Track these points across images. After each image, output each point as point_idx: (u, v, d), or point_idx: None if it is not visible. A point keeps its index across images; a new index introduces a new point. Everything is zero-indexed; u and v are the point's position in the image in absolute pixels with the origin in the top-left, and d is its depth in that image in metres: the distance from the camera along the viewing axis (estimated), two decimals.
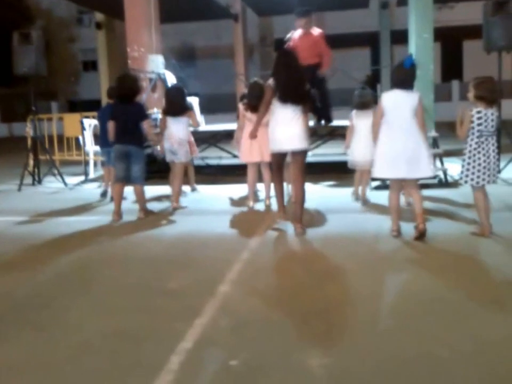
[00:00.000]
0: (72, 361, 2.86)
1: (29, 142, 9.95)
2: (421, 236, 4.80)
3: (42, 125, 10.84)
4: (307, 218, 5.65)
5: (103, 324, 3.33)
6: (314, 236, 5.27)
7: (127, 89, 6.29)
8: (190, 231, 5.69)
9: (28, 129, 10.22)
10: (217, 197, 7.54)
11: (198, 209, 6.86)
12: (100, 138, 7.71)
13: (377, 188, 6.90)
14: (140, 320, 3.36)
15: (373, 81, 24.25)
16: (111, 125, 6.30)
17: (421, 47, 9.78)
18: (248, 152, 6.62)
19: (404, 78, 4.88)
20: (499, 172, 6.71)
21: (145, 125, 6.31)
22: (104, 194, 7.88)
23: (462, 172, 4.94)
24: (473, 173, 4.84)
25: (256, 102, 6.08)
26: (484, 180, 4.83)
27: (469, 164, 4.86)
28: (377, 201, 6.55)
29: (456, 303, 3.45)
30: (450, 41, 27.38)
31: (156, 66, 10.60)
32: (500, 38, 8.05)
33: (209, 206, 6.99)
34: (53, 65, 19.99)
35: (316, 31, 8.65)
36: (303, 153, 5.46)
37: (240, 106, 6.74)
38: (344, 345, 2.92)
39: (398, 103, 4.88)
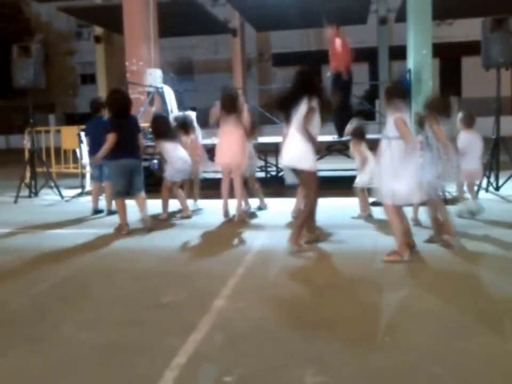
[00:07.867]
0: (64, 376, 2.81)
1: (26, 154, 9.92)
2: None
3: (40, 137, 10.82)
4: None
5: (96, 338, 3.27)
6: (311, 250, 5.23)
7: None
8: (185, 245, 5.64)
9: (26, 142, 10.18)
10: (213, 211, 7.47)
11: (194, 222, 6.80)
12: (90, 151, 7.47)
13: (373, 204, 6.84)
14: (133, 335, 3.31)
15: (371, 97, 24.34)
16: (112, 138, 6.11)
17: (419, 63, 9.82)
18: (224, 153, 6.69)
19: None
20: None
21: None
22: (96, 212, 7.48)
23: None
24: None
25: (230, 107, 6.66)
26: None
27: None
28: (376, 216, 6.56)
29: (449, 319, 3.41)
30: (449, 58, 27.53)
31: (154, 80, 10.61)
32: (498, 55, 8.08)
33: (206, 220, 6.93)
34: (51, 78, 20.06)
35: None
36: None
37: (217, 111, 6.81)
38: (339, 362, 2.86)
39: None
